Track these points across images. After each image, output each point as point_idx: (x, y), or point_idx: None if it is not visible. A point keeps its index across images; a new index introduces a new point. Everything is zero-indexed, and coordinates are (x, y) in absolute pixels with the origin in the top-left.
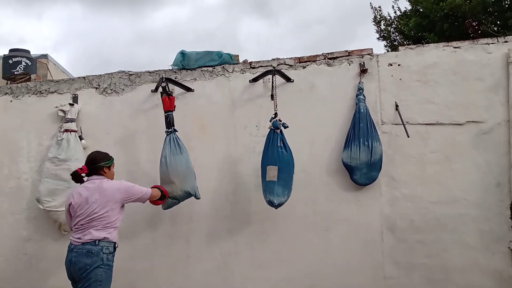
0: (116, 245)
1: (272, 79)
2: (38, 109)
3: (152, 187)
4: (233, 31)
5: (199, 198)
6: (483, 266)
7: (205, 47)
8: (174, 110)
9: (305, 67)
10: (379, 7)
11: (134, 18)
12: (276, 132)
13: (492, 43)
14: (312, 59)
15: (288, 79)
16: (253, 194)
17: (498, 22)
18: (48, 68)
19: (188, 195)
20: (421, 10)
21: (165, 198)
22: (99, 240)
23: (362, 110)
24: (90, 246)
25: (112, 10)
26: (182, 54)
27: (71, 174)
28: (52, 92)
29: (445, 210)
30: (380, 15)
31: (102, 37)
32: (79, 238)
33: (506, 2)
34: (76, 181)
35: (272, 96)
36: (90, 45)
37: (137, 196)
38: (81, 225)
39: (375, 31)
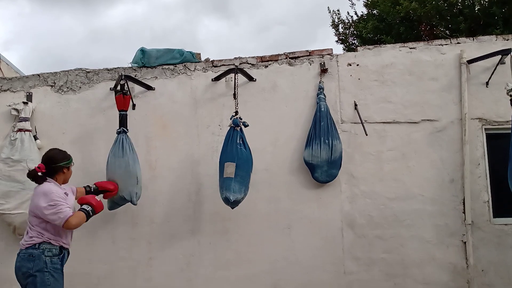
0: (64, 248)
1: (235, 78)
2: None
3: (82, 200)
4: (192, 31)
5: (135, 205)
6: (438, 260)
7: (163, 47)
8: (133, 109)
9: (267, 66)
10: (337, 10)
11: (87, 15)
12: (236, 130)
13: (446, 44)
14: (274, 59)
15: (250, 78)
16: (216, 194)
17: (451, 26)
18: (0, 68)
19: (124, 200)
20: (377, 13)
21: (94, 213)
22: (39, 244)
23: (322, 109)
24: (32, 250)
25: (63, 6)
26: (142, 51)
27: (27, 174)
28: (4, 90)
29: (402, 206)
30: (338, 18)
31: (54, 35)
32: (24, 241)
33: (458, 7)
34: (35, 181)
35: (234, 95)
36: (42, 44)
37: (48, 217)
38: (27, 229)
39: (334, 34)
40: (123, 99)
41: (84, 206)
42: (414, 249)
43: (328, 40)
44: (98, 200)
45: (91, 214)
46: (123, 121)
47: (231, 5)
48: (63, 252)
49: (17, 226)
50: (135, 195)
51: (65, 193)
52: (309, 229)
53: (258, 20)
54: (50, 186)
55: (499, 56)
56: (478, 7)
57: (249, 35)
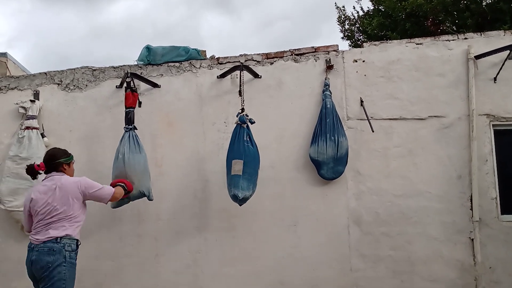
0: (79, 243)
1: (240, 75)
2: None
3: (114, 184)
4: (194, 27)
5: (151, 200)
6: (446, 257)
7: (166, 43)
8: (139, 106)
9: (273, 63)
10: (343, 7)
11: (89, 12)
12: (242, 127)
13: (453, 40)
14: (279, 55)
15: (256, 75)
16: (222, 191)
17: (457, 22)
18: (7, 67)
19: (142, 195)
20: (383, 9)
21: (128, 193)
22: (61, 238)
23: (328, 106)
24: (52, 244)
25: (64, 2)
26: (148, 49)
27: (26, 169)
28: (12, 89)
29: (409, 203)
30: (344, 15)
31: (56, 32)
32: (39, 238)
33: (465, 2)
34: (32, 176)
35: (240, 92)
36: (45, 41)
37: (97, 193)
38: (42, 224)
39: (340, 30)
40: (132, 96)
41: (120, 184)
42: (421, 246)
43: (333, 35)
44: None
45: (125, 190)
46: (131, 118)
47: (234, 0)
48: (78, 247)
49: None
50: (151, 190)
51: None
52: (315, 226)
53: (261, 15)
54: (69, 177)
55: (507, 52)
56: (486, 2)
57: (252, 30)
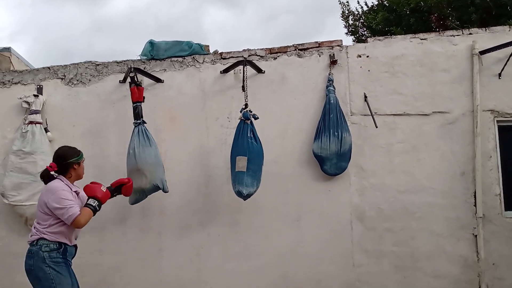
0: (64, 244)
1: (243, 70)
2: (1, 100)
3: (92, 188)
4: (197, 20)
5: (167, 192)
6: (449, 253)
7: (168, 37)
8: (143, 101)
9: (276, 58)
10: (347, 2)
11: (90, 4)
12: (246, 123)
13: (458, 35)
14: (283, 50)
15: (259, 70)
16: (225, 186)
17: (462, 17)
18: (11, 62)
19: (156, 188)
20: (387, 4)
21: (100, 204)
22: (37, 240)
23: (332, 101)
24: (31, 247)
25: None
26: (151, 43)
27: (40, 175)
28: (15, 83)
29: (412, 199)
30: (348, 10)
31: (58, 26)
32: (28, 238)
33: None
34: (46, 180)
35: (243, 87)
36: (46, 34)
37: (58, 213)
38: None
39: (344, 26)
40: (137, 90)
41: (90, 201)
42: (425, 242)
43: (337, 30)
44: (104, 190)
45: (97, 209)
46: (140, 112)
47: None
48: (62, 246)
49: (29, 218)
50: (165, 182)
51: (75, 191)
52: (318, 221)
53: (264, 9)
54: (58, 183)
55: None
56: None
57: (255, 24)
